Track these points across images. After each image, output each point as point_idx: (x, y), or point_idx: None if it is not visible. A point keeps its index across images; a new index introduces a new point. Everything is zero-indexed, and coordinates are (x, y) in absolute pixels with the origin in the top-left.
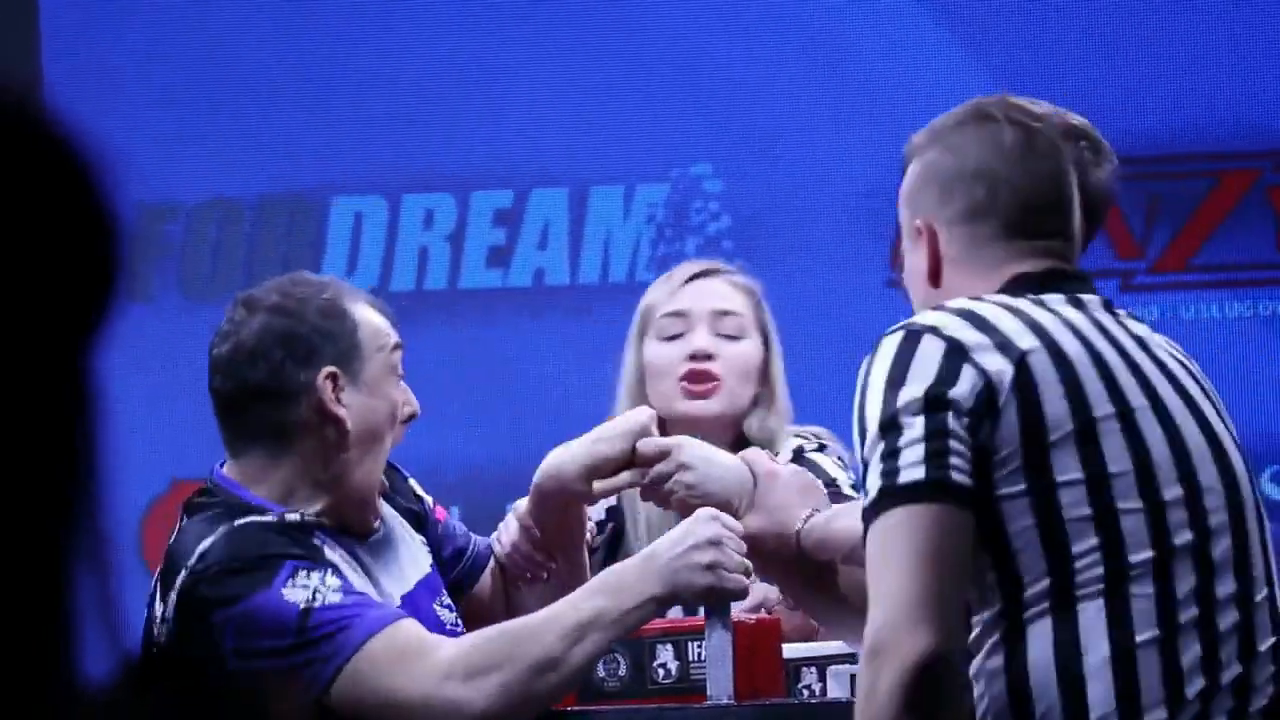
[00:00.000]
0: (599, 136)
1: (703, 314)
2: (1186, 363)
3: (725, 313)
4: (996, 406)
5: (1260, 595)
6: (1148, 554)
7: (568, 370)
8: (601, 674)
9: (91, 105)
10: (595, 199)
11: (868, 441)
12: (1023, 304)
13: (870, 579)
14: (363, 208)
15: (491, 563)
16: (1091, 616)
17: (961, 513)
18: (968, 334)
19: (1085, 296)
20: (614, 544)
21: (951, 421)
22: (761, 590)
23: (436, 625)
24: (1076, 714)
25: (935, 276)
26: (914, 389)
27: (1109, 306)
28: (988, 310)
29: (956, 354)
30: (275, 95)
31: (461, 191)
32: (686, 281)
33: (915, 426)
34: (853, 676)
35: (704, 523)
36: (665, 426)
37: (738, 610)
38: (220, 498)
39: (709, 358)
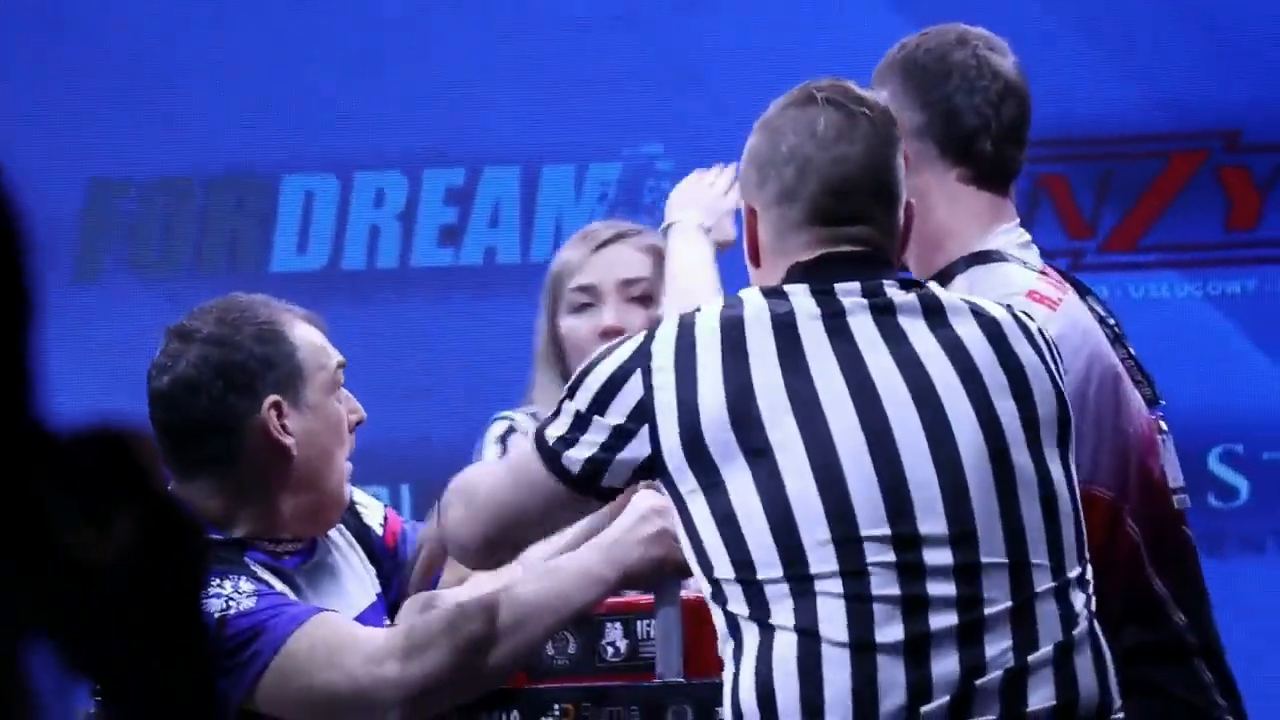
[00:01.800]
0: (550, 115)
1: (610, 285)
2: (962, 337)
3: (633, 280)
4: (652, 420)
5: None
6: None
7: (518, 348)
8: (550, 652)
9: (44, 80)
10: (547, 178)
11: (571, 403)
12: (751, 309)
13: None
14: (314, 186)
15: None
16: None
17: (571, 493)
18: (661, 353)
19: (842, 285)
20: None
21: (616, 434)
22: None
23: None
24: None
25: (755, 258)
26: (612, 402)
27: (873, 291)
28: (701, 323)
29: (640, 368)
30: (227, 72)
31: (413, 169)
32: (593, 251)
33: (597, 429)
34: None
35: (645, 497)
36: None
37: (686, 588)
38: None
39: (619, 333)
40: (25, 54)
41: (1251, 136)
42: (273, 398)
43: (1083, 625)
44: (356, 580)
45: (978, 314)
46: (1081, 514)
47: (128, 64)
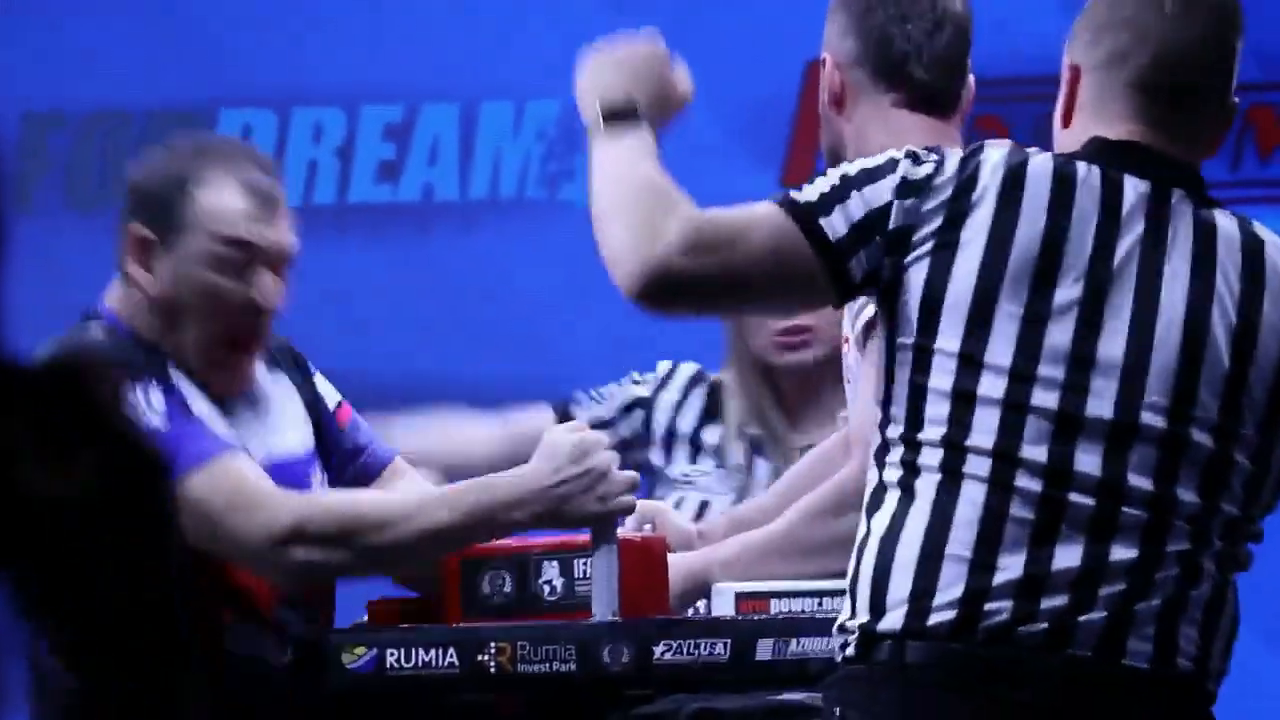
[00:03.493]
0: (490, 52)
1: None
2: (1217, 275)
3: None
4: (910, 246)
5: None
6: (986, 454)
7: (456, 284)
8: (487, 590)
9: None
10: (485, 115)
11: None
12: (1041, 168)
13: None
14: (252, 120)
15: (392, 467)
16: (922, 497)
17: (810, 250)
18: (930, 173)
19: (1130, 177)
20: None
21: (877, 219)
22: (651, 508)
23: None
24: (877, 594)
25: (1067, 118)
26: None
27: (1161, 197)
28: (988, 158)
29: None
30: (166, 5)
31: (351, 106)
32: None
33: (855, 204)
34: (738, 595)
35: (577, 446)
36: (769, 374)
37: (622, 528)
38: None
39: (806, 330)
40: None
41: None
42: (141, 230)
43: (1205, 586)
44: (293, 425)
45: (1250, 257)
46: (1264, 486)
47: None
